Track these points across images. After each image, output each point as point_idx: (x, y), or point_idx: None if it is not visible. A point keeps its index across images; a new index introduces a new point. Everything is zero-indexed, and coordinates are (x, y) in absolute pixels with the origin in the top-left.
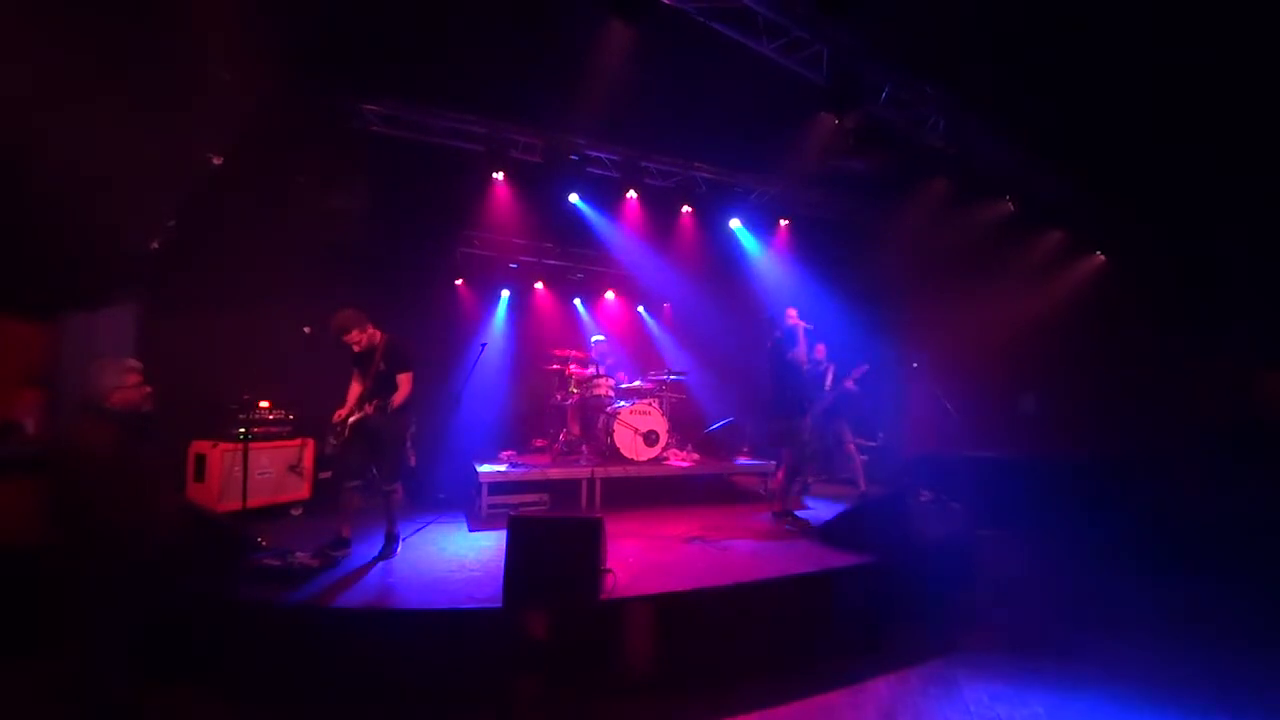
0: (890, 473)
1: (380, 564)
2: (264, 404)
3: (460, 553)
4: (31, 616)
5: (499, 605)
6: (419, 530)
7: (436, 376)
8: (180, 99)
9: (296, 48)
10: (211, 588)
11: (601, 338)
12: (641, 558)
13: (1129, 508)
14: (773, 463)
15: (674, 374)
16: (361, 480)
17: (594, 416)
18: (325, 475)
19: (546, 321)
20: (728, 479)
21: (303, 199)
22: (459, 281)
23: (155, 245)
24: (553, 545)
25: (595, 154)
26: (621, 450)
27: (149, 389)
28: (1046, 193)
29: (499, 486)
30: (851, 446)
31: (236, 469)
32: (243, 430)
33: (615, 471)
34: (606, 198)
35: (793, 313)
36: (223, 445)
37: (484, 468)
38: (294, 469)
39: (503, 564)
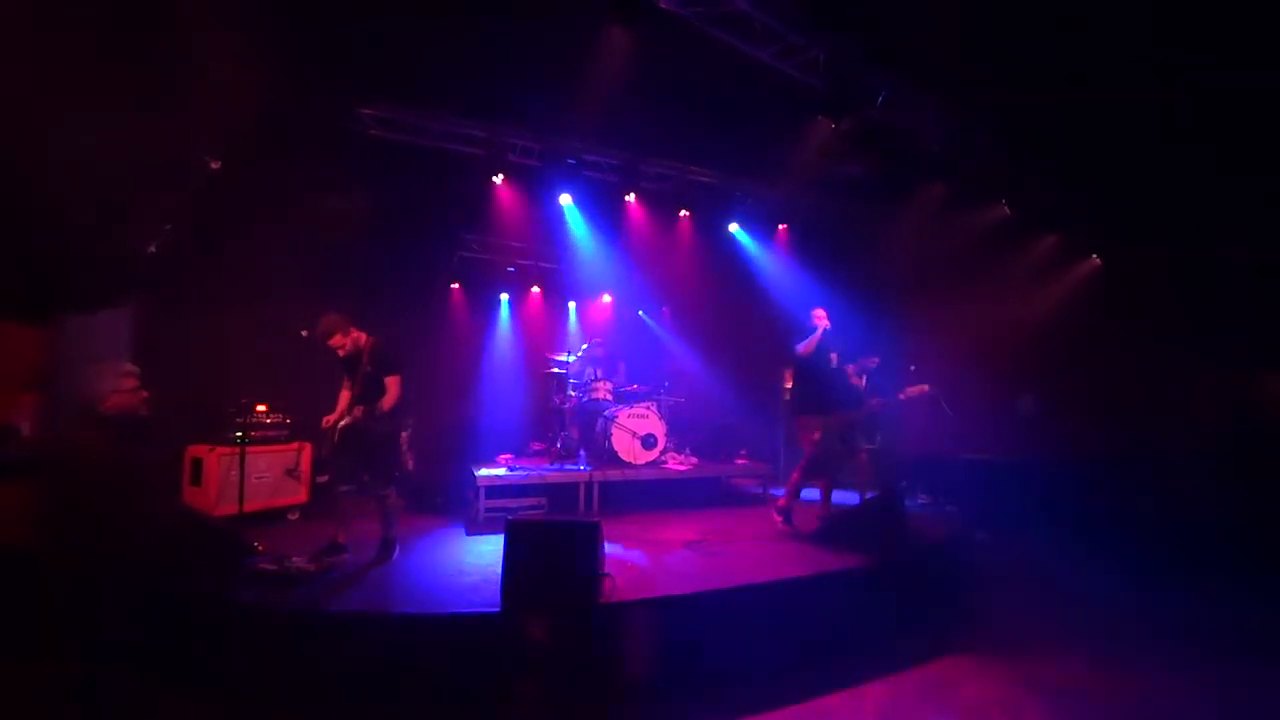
0: (888, 475)
1: (377, 568)
2: (261, 407)
3: (458, 557)
4: (29, 618)
5: (497, 610)
6: (416, 534)
7: (434, 380)
8: (178, 102)
9: (294, 51)
10: (208, 592)
11: (599, 341)
12: (639, 561)
13: (1126, 510)
14: (769, 466)
15: (672, 377)
16: (354, 485)
17: (592, 420)
18: (322, 479)
19: (544, 325)
20: (726, 482)
21: (300, 202)
22: (455, 285)
23: (152, 248)
24: (551, 549)
25: (593, 158)
26: (619, 453)
27: (145, 393)
28: (1042, 196)
29: (496, 490)
30: (861, 454)
31: (233, 473)
32: (239, 434)
33: (613, 475)
34: (605, 201)
35: (820, 312)
36: (219, 449)
37: (481, 471)
38: (291, 473)
39: (500, 568)
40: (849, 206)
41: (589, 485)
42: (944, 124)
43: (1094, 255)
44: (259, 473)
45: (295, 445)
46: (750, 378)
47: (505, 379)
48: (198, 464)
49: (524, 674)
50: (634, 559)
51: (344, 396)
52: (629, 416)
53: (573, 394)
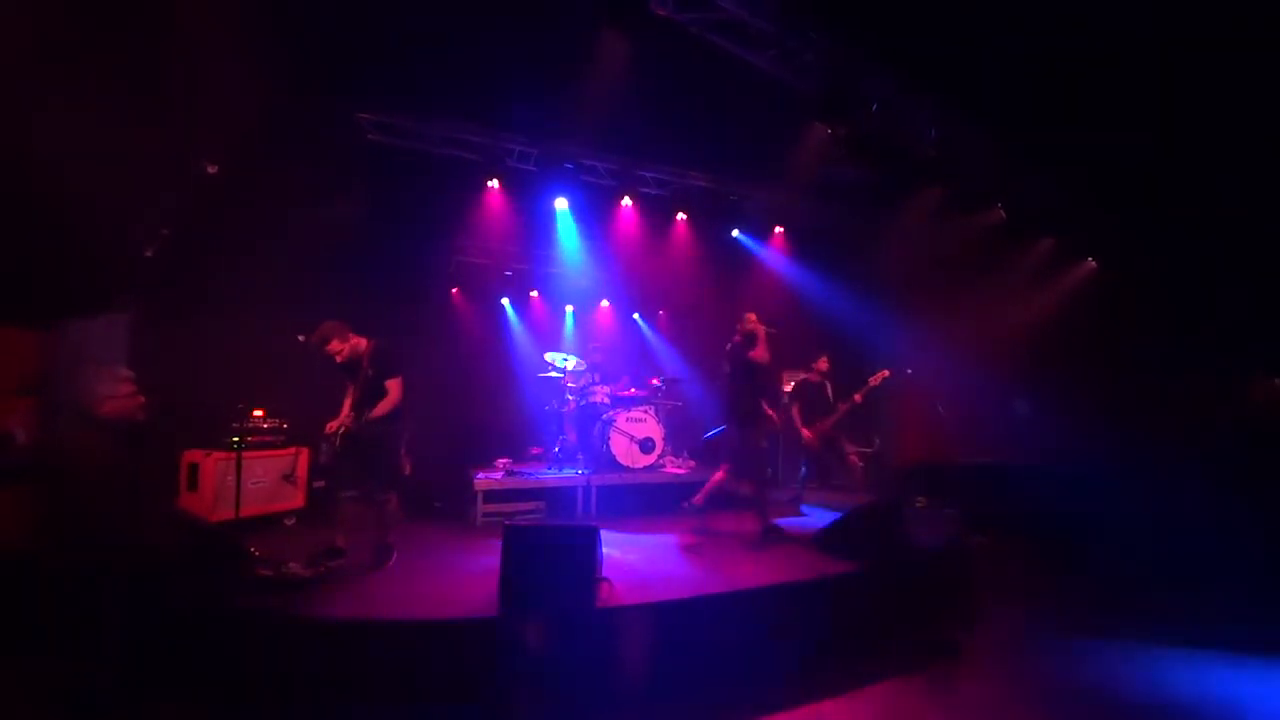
0: (886, 479)
1: (374, 574)
2: (258, 412)
3: (455, 562)
4: (25, 624)
5: (494, 614)
6: (413, 539)
7: (431, 384)
8: (176, 105)
9: (293, 56)
10: (204, 597)
11: (597, 345)
12: (637, 566)
13: (1124, 513)
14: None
15: (669, 381)
16: (356, 490)
17: (590, 424)
18: (319, 484)
19: (542, 329)
20: (724, 486)
21: (298, 206)
22: (454, 289)
23: (150, 252)
24: (548, 554)
25: (590, 162)
26: (617, 457)
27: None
28: (1037, 200)
29: (494, 495)
30: (853, 457)
31: (230, 478)
32: (236, 439)
33: (611, 479)
34: (602, 206)
35: (751, 317)
36: (216, 454)
37: (480, 476)
38: (288, 478)
39: (498, 573)
40: (845, 210)
41: (587, 489)
42: (939, 129)
43: (1089, 259)
44: (256, 478)
45: (292, 450)
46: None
47: (503, 383)
48: (194, 469)
49: (521, 679)
50: (631, 563)
51: (347, 403)
52: (627, 420)
53: (570, 398)
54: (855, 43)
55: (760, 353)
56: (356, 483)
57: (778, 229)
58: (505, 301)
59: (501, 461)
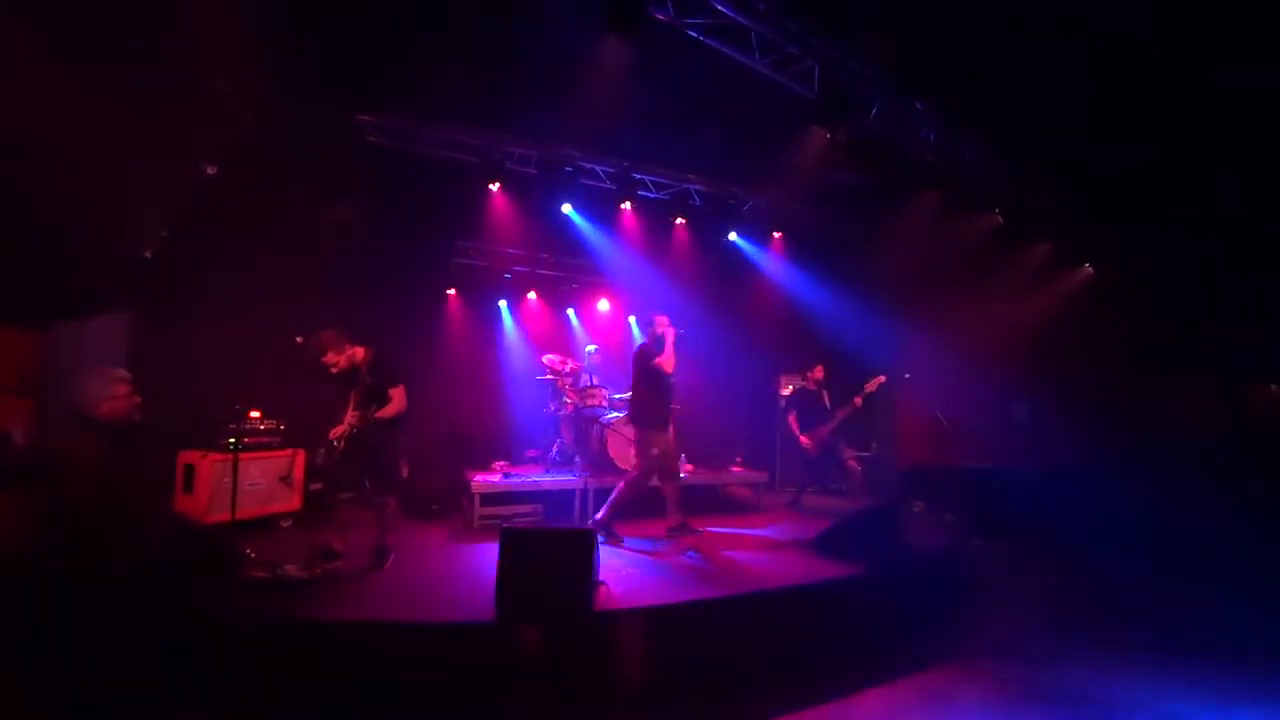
0: (884, 483)
1: (371, 576)
2: (254, 414)
3: (452, 564)
4: (21, 626)
5: (491, 618)
6: (410, 542)
7: (429, 386)
8: (175, 108)
9: (293, 58)
10: (199, 599)
11: (595, 348)
12: (634, 569)
13: (1121, 517)
14: (765, 473)
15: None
16: (354, 493)
17: (587, 427)
18: (315, 486)
19: (540, 332)
20: (721, 489)
21: (297, 209)
22: (451, 291)
23: (148, 254)
24: (545, 557)
25: (590, 166)
26: (615, 460)
27: (138, 399)
28: (1035, 205)
29: (491, 497)
30: (852, 462)
31: (226, 480)
32: (233, 440)
33: (609, 482)
34: (602, 209)
35: (663, 319)
36: (212, 456)
37: (477, 478)
38: (284, 480)
39: (495, 576)
40: (844, 214)
41: (584, 492)
42: (937, 133)
43: (1086, 264)
44: (252, 480)
45: (288, 452)
46: (746, 385)
47: (501, 385)
48: (190, 471)
49: (518, 682)
50: (629, 566)
51: (349, 410)
52: (625, 423)
53: (568, 400)
54: (854, 47)
55: (665, 359)
56: (354, 485)
57: (777, 233)
58: (503, 304)
59: (499, 464)
